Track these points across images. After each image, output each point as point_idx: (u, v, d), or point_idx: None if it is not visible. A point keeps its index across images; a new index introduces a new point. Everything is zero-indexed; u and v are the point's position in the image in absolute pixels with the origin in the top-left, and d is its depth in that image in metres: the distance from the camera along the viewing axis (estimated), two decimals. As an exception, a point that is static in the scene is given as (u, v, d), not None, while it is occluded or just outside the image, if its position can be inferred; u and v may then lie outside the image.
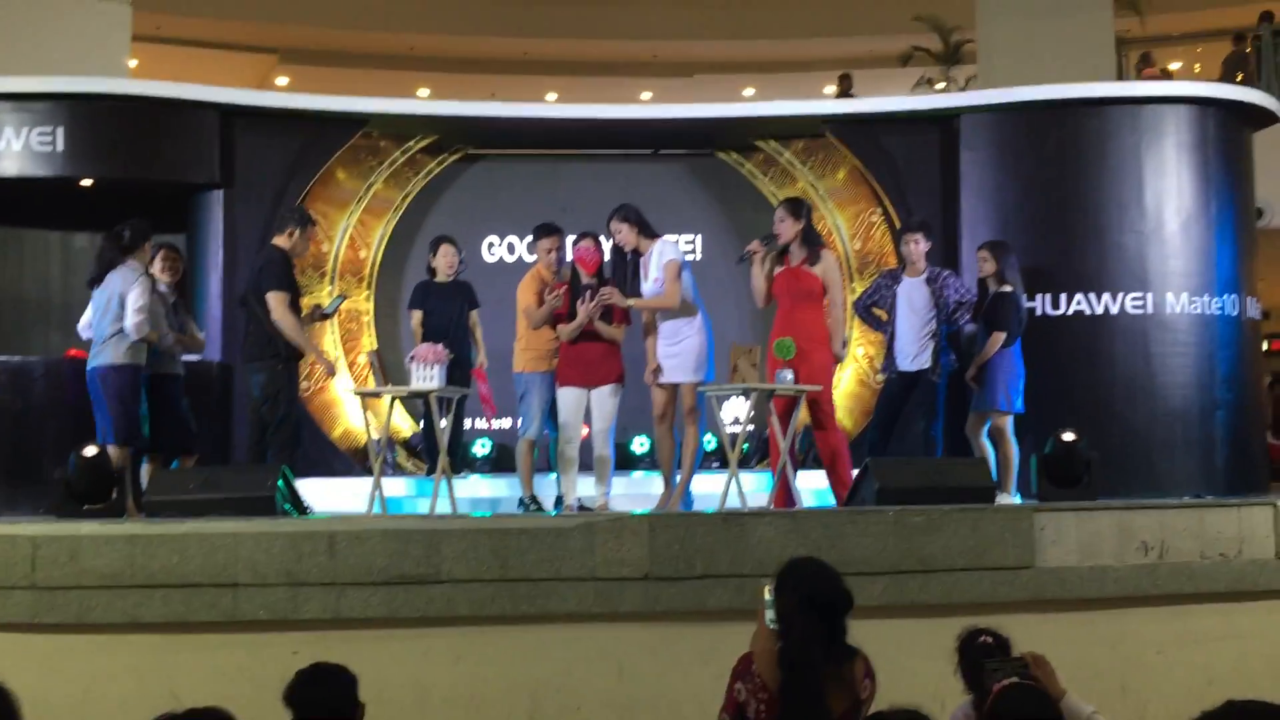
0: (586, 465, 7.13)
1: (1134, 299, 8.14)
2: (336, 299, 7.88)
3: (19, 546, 4.98)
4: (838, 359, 7.04)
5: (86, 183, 8.35)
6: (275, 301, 6.64)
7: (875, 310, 7.55)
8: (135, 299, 6.44)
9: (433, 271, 7.80)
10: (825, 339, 6.83)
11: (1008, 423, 7.25)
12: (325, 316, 7.57)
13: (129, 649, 4.99)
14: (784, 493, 6.66)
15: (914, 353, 7.29)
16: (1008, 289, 7.29)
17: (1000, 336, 7.21)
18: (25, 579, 4.96)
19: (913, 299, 7.33)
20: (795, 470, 6.80)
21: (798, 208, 6.99)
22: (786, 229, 6.86)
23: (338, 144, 8.64)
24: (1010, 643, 3.71)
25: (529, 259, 9.06)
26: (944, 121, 8.71)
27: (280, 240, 6.88)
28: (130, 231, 6.66)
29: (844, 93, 14.80)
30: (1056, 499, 5.86)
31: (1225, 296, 8.30)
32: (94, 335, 6.60)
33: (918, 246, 7.41)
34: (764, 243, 6.96)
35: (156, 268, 6.94)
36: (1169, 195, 8.30)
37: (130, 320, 6.42)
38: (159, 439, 6.73)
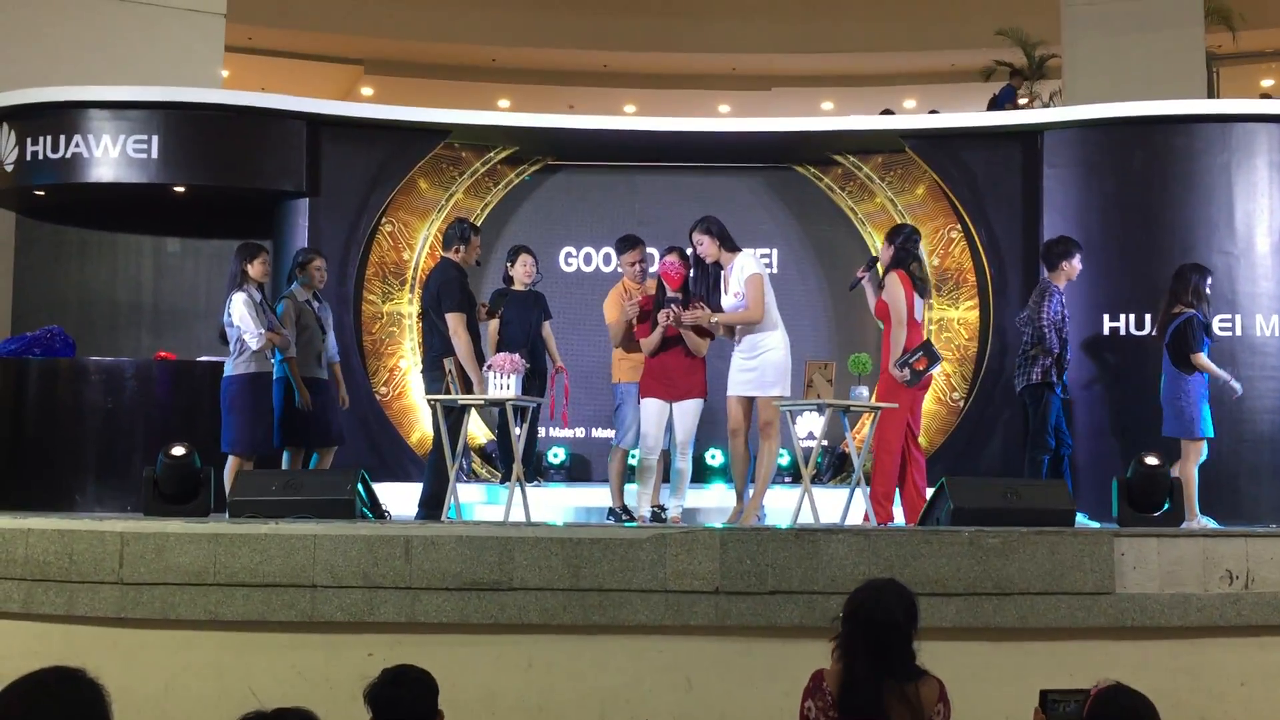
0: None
1: (1222, 320, 7.96)
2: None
3: (108, 543, 5.12)
4: (901, 379, 6.84)
5: (180, 189, 8.58)
6: (454, 323, 6.77)
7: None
8: (243, 315, 6.94)
9: (509, 280, 7.87)
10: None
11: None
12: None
13: (210, 645, 5.10)
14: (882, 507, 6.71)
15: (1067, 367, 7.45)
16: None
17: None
18: (113, 574, 5.10)
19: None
20: (895, 491, 6.84)
21: (891, 234, 7.23)
22: (883, 254, 7.18)
23: (420, 154, 8.79)
24: None
25: (605, 269, 9.11)
26: (1026, 137, 8.61)
27: (451, 255, 7.00)
28: (242, 250, 7.18)
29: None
30: (1138, 524, 5.74)
31: (1317, 320, 8.09)
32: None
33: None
34: (866, 268, 7.29)
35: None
36: (1260, 215, 8.11)
37: (253, 333, 6.91)
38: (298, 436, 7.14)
